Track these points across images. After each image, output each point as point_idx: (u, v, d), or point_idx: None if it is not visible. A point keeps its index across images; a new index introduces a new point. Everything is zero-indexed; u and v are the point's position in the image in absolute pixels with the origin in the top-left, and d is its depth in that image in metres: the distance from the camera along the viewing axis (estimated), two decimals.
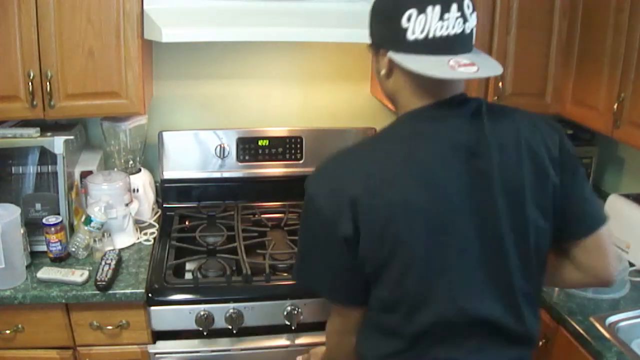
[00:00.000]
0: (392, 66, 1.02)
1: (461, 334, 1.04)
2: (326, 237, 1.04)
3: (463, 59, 0.97)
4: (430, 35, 0.95)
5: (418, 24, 0.95)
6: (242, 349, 1.66)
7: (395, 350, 1.08)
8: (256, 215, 2.13)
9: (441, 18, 0.95)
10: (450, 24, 0.96)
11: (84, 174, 1.90)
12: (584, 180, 1.11)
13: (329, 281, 1.11)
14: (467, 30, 0.98)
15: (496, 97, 2.00)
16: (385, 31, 1.00)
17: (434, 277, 1.00)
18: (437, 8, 0.95)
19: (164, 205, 2.17)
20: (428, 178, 0.99)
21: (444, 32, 0.96)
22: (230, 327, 1.63)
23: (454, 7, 0.95)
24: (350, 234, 1.00)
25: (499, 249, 1.01)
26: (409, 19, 0.95)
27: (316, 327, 1.66)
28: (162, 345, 1.67)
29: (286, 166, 2.21)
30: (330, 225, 1.02)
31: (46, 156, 1.76)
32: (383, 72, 1.04)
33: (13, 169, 1.79)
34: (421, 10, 0.95)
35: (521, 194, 1.01)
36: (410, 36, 0.96)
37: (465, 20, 0.97)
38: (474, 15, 0.99)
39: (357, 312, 1.12)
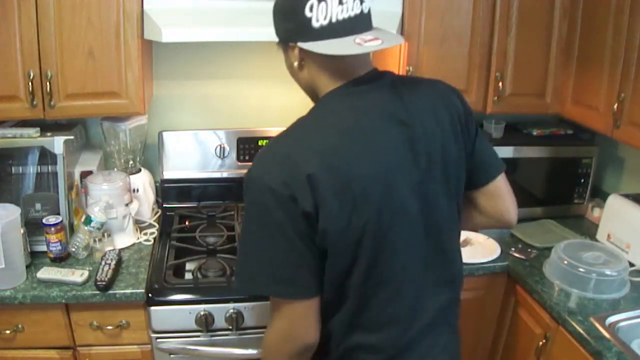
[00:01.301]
0: (303, 56, 1.09)
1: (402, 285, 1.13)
2: (285, 219, 1.02)
3: (367, 35, 1.06)
4: (334, 20, 1.03)
5: (320, 12, 1.03)
6: (242, 349, 1.66)
7: (348, 309, 1.11)
8: None
9: (340, 2, 1.03)
10: (349, 7, 1.04)
11: (84, 174, 1.90)
12: (480, 132, 1.23)
13: (289, 272, 1.06)
14: (365, 10, 1.07)
15: (496, 97, 2.00)
16: (292, 25, 1.07)
17: (384, 236, 1.08)
18: None
19: (164, 205, 2.17)
20: (374, 148, 1.06)
21: (345, 15, 1.04)
22: (230, 327, 1.63)
23: None
24: (310, 210, 1.01)
25: (434, 204, 1.13)
26: (311, 9, 1.03)
27: None
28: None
29: None
30: (289, 203, 1.01)
31: (46, 156, 1.76)
32: (296, 64, 1.11)
33: (13, 169, 1.79)
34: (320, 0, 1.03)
35: (446, 153, 1.12)
36: (315, 24, 1.04)
37: (362, 1, 1.06)
38: None
39: (317, 300, 1.10)
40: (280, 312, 1.10)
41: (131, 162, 2.07)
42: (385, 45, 1.04)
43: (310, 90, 1.16)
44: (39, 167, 1.79)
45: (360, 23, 1.06)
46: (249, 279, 1.09)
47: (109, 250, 1.76)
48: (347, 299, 1.11)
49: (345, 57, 1.07)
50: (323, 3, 1.03)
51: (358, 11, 1.05)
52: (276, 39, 1.15)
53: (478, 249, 1.93)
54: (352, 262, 1.08)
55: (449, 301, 1.21)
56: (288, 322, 1.10)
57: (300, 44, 1.06)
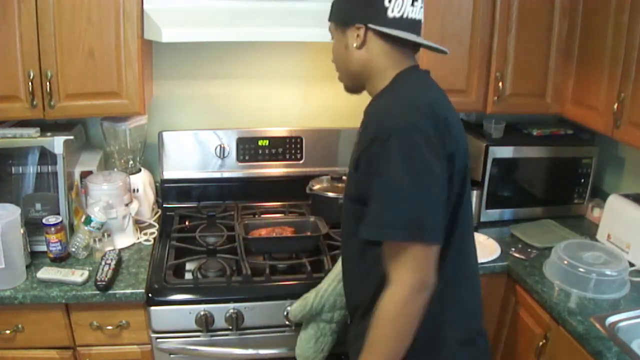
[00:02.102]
0: (367, 38, 1.20)
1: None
2: (436, 163, 1.09)
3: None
4: (405, 16, 1.18)
5: (397, 6, 1.17)
6: (242, 349, 1.66)
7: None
8: (256, 216, 2.13)
9: (412, 4, 1.18)
10: (417, 10, 1.20)
11: (84, 174, 1.90)
12: None
13: (433, 217, 1.08)
14: (422, 19, 1.23)
15: (496, 97, 2.00)
16: (367, 9, 1.19)
17: (467, 210, 1.27)
18: None
19: (164, 205, 2.17)
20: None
21: (414, 16, 1.20)
22: (230, 327, 1.63)
23: None
24: (453, 152, 1.13)
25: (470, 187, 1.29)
26: (389, 0, 1.16)
27: None
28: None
29: (286, 166, 2.21)
30: (439, 146, 1.10)
31: (46, 156, 1.76)
32: (355, 44, 1.22)
33: (13, 169, 1.79)
34: None
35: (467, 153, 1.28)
36: (390, 14, 1.17)
37: (422, 11, 1.22)
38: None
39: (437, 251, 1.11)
40: (415, 261, 1.08)
41: (131, 162, 2.07)
42: (445, 49, 1.25)
43: (360, 70, 1.25)
44: (39, 167, 1.78)
45: (419, 28, 1.22)
46: (398, 227, 1.07)
47: (109, 250, 1.76)
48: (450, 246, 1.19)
49: (407, 47, 1.22)
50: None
51: (421, 17, 1.22)
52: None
53: (478, 249, 1.89)
54: (457, 208, 1.20)
55: None
56: (425, 270, 1.09)
57: (374, 26, 1.18)
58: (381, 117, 1.14)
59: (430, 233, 1.08)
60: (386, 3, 1.17)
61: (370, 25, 1.19)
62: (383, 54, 1.21)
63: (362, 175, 1.15)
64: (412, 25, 1.20)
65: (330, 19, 1.28)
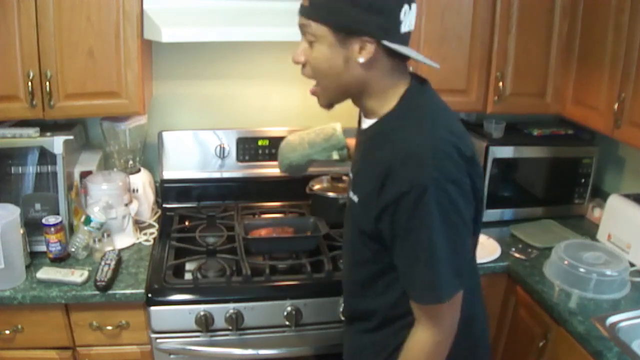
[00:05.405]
0: (376, 54, 1.05)
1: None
2: (466, 207, 1.05)
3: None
4: (409, 29, 1.08)
5: (409, 19, 1.05)
6: (242, 349, 1.66)
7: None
8: (256, 215, 2.13)
9: (415, 15, 1.07)
10: (414, 21, 1.09)
11: (84, 174, 1.90)
12: None
13: (464, 262, 1.09)
14: None
15: (496, 97, 2.00)
16: (381, 21, 1.03)
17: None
18: (414, 6, 1.07)
19: (164, 206, 2.17)
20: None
21: (413, 27, 1.09)
22: (230, 327, 1.62)
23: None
24: (479, 187, 1.09)
25: None
26: (405, 14, 1.04)
27: (316, 327, 1.67)
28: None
29: None
30: (469, 192, 1.05)
31: (46, 156, 1.76)
32: (362, 59, 1.05)
33: (13, 169, 1.78)
34: (410, 7, 1.05)
35: None
36: (402, 29, 1.05)
37: None
38: None
39: None
40: (453, 306, 1.08)
41: (131, 162, 2.07)
42: (437, 67, 1.13)
43: (353, 87, 1.12)
44: (38, 167, 1.78)
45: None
46: (451, 286, 1.05)
47: (109, 251, 1.76)
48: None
49: (406, 62, 1.13)
50: (411, 12, 1.05)
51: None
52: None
53: (478, 249, 1.90)
54: (474, 244, 1.20)
55: None
56: (455, 314, 1.10)
57: (388, 43, 1.04)
58: (413, 166, 1.01)
59: (464, 279, 1.08)
60: (401, 17, 1.03)
61: (385, 43, 1.04)
62: (388, 73, 1.10)
63: (387, 225, 1.07)
64: (409, 37, 1.10)
65: (318, 20, 1.05)
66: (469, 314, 1.17)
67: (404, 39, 1.07)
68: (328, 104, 1.18)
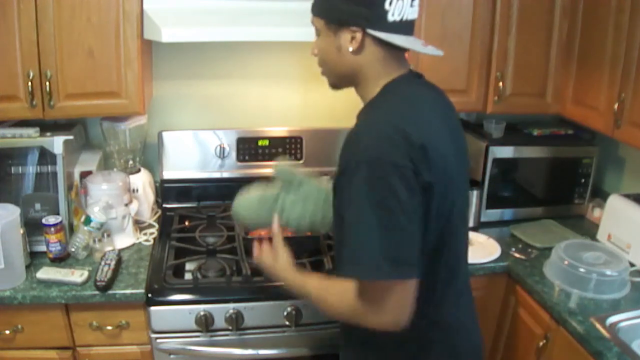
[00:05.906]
0: (365, 42, 1.13)
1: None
2: (408, 195, 1.02)
3: (420, 39, 1.19)
4: (404, 18, 1.12)
5: (397, 8, 1.10)
6: (242, 349, 1.66)
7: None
8: None
9: (411, 4, 1.12)
10: (415, 10, 1.14)
11: (84, 174, 1.90)
12: None
13: (409, 252, 1.04)
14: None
15: (496, 97, 2.00)
16: (366, 11, 1.10)
17: (457, 218, 1.18)
18: None
19: (164, 206, 2.17)
20: (448, 129, 1.18)
21: (412, 17, 1.14)
22: (230, 327, 1.62)
23: None
24: (430, 180, 1.06)
25: (466, 198, 1.32)
26: (390, 3, 1.09)
27: (316, 327, 1.67)
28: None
29: None
30: (412, 177, 1.03)
31: (46, 156, 1.76)
32: (351, 48, 1.13)
33: (12, 169, 1.79)
34: None
35: (466, 154, 1.27)
36: (390, 18, 1.10)
37: (418, 8, 1.16)
38: None
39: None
40: (389, 298, 1.05)
41: (131, 162, 2.07)
42: (441, 53, 1.19)
43: (350, 74, 1.18)
44: (38, 167, 1.78)
45: (413, 27, 1.17)
46: (374, 266, 1.03)
47: (109, 251, 1.76)
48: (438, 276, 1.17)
49: (401, 50, 1.16)
50: (401, 1, 1.10)
51: (416, 15, 1.16)
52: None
53: (478, 249, 1.93)
54: (442, 239, 1.14)
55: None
56: (399, 308, 1.06)
57: (373, 32, 1.11)
58: (353, 144, 1.08)
59: (404, 271, 1.04)
60: (386, 6, 1.09)
61: (369, 31, 1.11)
62: (378, 61, 1.15)
63: (337, 201, 1.14)
64: (410, 26, 1.15)
65: (316, 14, 1.18)
66: (447, 322, 1.17)
67: (395, 28, 1.11)
68: (334, 87, 1.26)
